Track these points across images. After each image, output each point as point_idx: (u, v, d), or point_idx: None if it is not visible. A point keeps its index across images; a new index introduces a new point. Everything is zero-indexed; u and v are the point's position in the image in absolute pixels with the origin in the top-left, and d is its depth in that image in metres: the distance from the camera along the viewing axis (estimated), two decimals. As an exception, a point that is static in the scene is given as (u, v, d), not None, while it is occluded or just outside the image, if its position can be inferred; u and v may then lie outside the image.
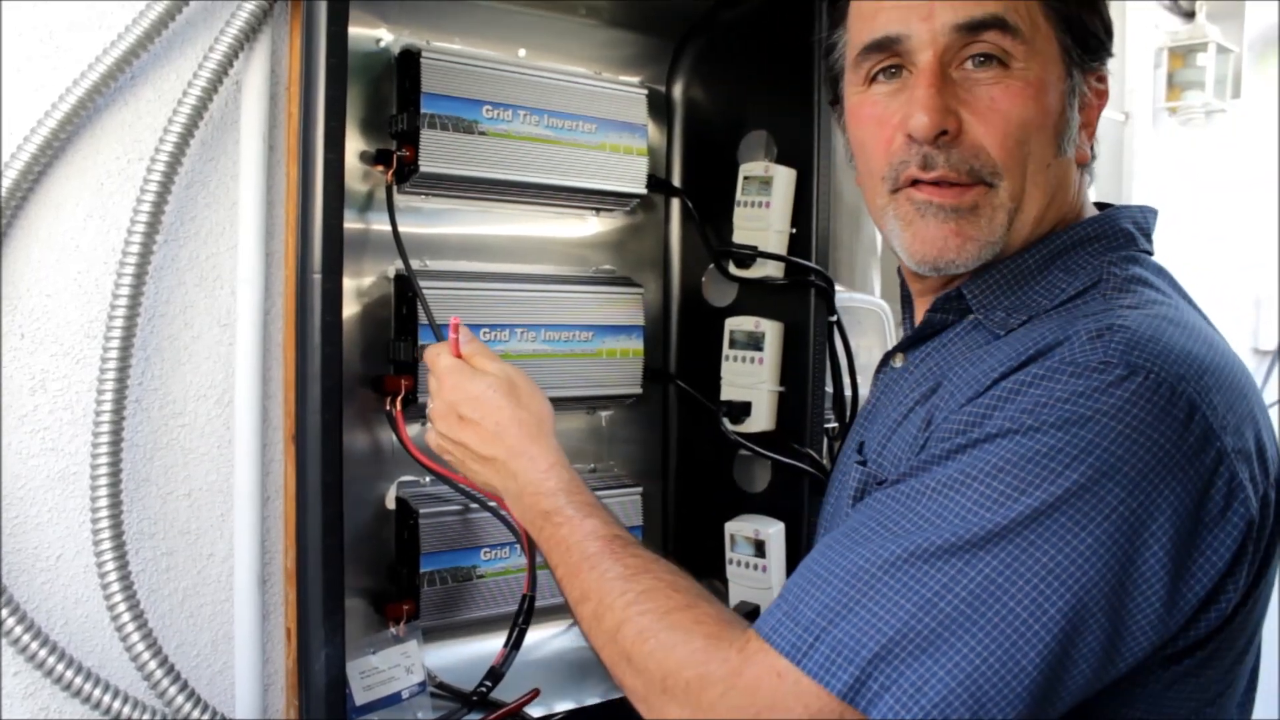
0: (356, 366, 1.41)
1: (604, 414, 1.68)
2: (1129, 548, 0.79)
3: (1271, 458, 0.89)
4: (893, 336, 1.95)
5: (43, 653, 1.05)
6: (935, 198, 0.97)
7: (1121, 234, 1.00)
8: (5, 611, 1.04)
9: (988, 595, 0.79)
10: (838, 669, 0.81)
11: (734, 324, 1.62)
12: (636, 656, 0.92)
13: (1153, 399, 0.81)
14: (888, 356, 1.11)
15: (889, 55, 0.98)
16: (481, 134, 1.44)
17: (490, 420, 1.13)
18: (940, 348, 1.04)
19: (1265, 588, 0.91)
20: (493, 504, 1.42)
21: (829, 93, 1.12)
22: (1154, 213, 1.05)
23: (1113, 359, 0.83)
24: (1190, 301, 1.00)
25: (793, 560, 1.55)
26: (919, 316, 1.09)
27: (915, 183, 0.97)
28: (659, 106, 1.71)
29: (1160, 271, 1.00)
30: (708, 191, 1.67)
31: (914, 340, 1.07)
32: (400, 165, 1.39)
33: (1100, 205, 1.06)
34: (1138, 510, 0.80)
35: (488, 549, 1.47)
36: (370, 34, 1.42)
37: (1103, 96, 1.03)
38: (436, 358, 1.19)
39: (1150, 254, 1.02)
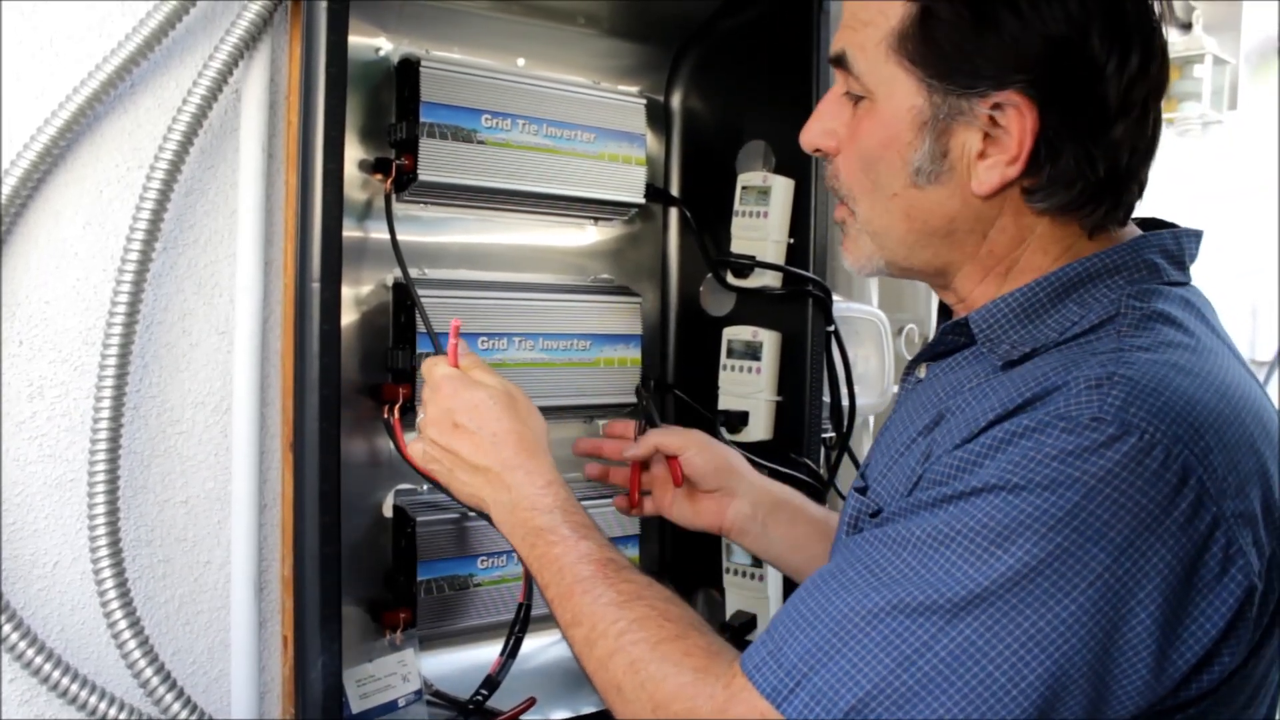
0: (355, 375, 1.41)
1: (601, 423, 1.68)
2: (1114, 615, 0.78)
3: None
4: (890, 346, 1.95)
5: (39, 659, 1.05)
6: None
7: (1145, 266, 0.96)
8: (2, 618, 1.04)
9: (966, 658, 0.79)
10: (820, 714, 0.81)
11: (732, 333, 1.62)
12: (627, 687, 0.93)
13: (1144, 462, 0.79)
14: (913, 365, 1.10)
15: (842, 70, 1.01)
16: (480, 143, 1.45)
17: (488, 430, 1.12)
18: (954, 368, 1.03)
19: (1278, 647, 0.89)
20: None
21: None
22: (1194, 236, 1.00)
23: (1106, 415, 0.81)
24: (1219, 334, 0.96)
25: (790, 569, 1.55)
26: None
27: None
28: (657, 116, 1.72)
29: (1187, 304, 0.95)
30: (706, 201, 1.68)
31: (930, 355, 1.07)
32: (399, 174, 1.39)
33: (1147, 222, 1.02)
34: (1123, 577, 0.78)
35: (485, 557, 1.47)
36: (370, 43, 1.42)
37: (1019, 118, 0.90)
38: (433, 367, 1.17)
39: (1184, 284, 0.98)
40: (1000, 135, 0.92)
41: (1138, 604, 0.78)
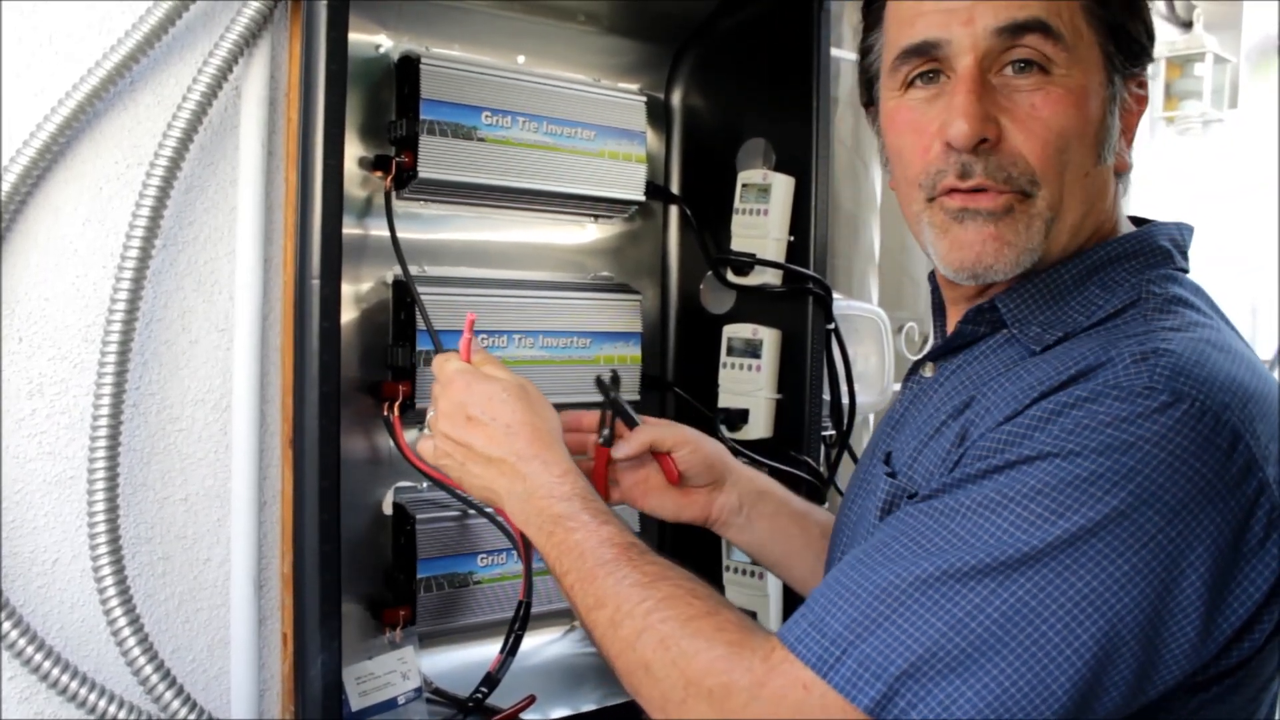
0: (354, 372, 1.41)
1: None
2: (1166, 577, 0.79)
3: None
4: (890, 344, 1.95)
5: (38, 657, 1.05)
6: (971, 204, 0.95)
7: (1159, 251, 0.98)
8: (2, 616, 1.04)
9: (1020, 619, 0.78)
10: (865, 684, 0.80)
11: (732, 331, 1.62)
12: (657, 664, 0.91)
13: (1197, 427, 0.80)
14: (917, 365, 1.09)
15: (927, 60, 0.96)
16: (480, 140, 1.44)
17: (502, 422, 1.11)
18: (973, 360, 1.02)
19: None
20: (489, 510, 1.42)
21: (864, 95, 1.09)
22: (1190, 229, 1.03)
23: (1158, 384, 0.81)
24: (1228, 322, 0.97)
25: (789, 567, 1.55)
26: (950, 326, 1.08)
27: (951, 191, 0.96)
28: (658, 113, 1.72)
29: (1198, 291, 0.98)
30: (706, 199, 1.68)
31: (945, 350, 1.06)
32: (399, 171, 1.39)
33: (1136, 220, 1.04)
34: (1176, 539, 0.79)
35: (484, 555, 1.47)
36: (370, 40, 1.42)
37: (1142, 102, 1.00)
38: (445, 363, 1.16)
39: (1187, 272, 1.00)
40: (1126, 113, 0.98)
41: (1189, 566, 0.79)
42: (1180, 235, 1.01)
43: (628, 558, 1.00)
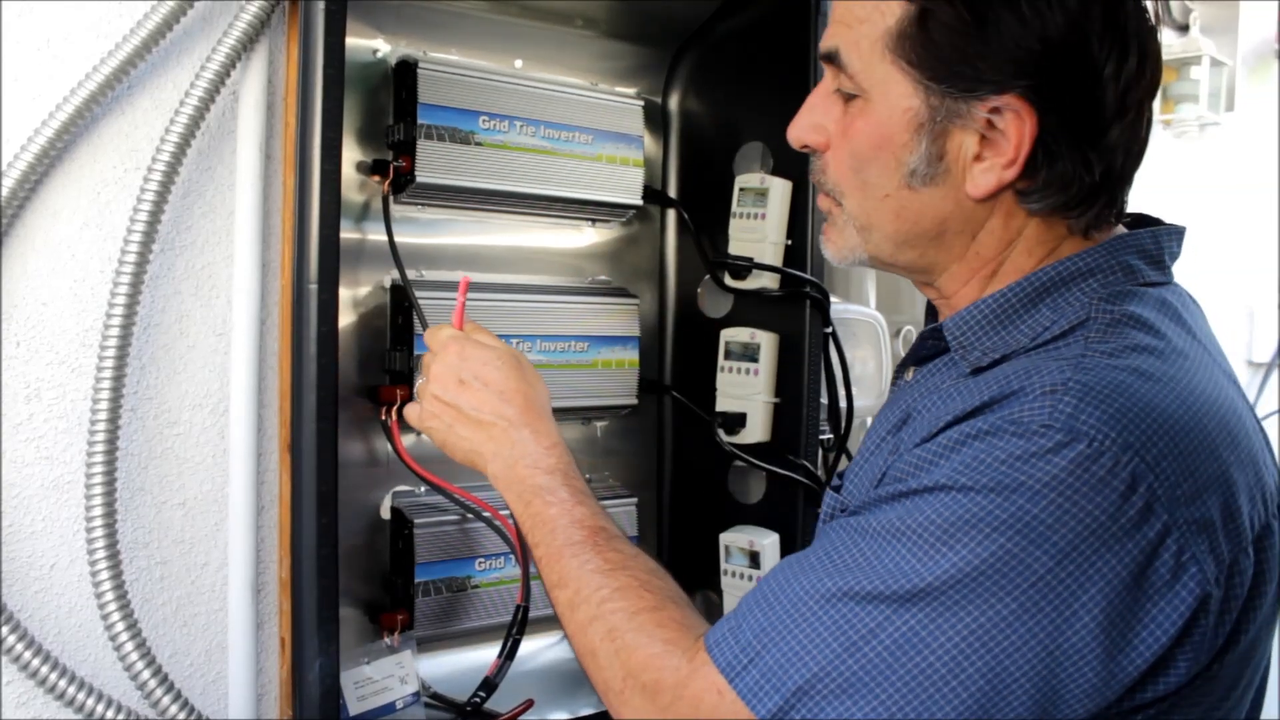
0: (352, 376, 1.41)
1: (599, 425, 1.68)
2: (1057, 617, 0.79)
3: (1247, 521, 0.86)
4: (888, 348, 1.95)
5: (36, 662, 1.05)
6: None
7: (1121, 268, 0.95)
8: (-1, 620, 1.04)
9: (910, 649, 0.80)
10: (765, 694, 0.84)
11: (729, 335, 1.62)
12: (602, 653, 0.96)
13: (1091, 469, 0.79)
14: (901, 369, 1.11)
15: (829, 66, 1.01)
16: (478, 145, 1.44)
17: (495, 387, 1.13)
18: (932, 373, 1.03)
19: (1250, 645, 0.88)
20: (487, 514, 1.42)
21: None
22: (1175, 234, 1.00)
23: (1056, 422, 0.81)
24: (1198, 335, 0.95)
25: (787, 571, 1.55)
26: None
27: None
28: (655, 118, 1.72)
29: (1164, 305, 0.94)
30: (703, 203, 1.68)
31: (917, 358, 1.07)
32: (397, 175, 1.39)
33: (1135, 219, 1.02)
34: (1067, 580, 0.79)
35: (482, 559, 1.47)
36: (367, 44, 1.42)
37: (1023, 121, 0.89)
38: (437, 331, 1.18)
39: (1162, 284, 0.97)
40: (997, 138, 0.91)
41: (1081, 607, 0.79)
42: (1155, 244, 0.98)
43: (594, 542, 1.03)
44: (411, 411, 1.18)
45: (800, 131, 1.02)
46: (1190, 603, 0.81)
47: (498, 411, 1.12)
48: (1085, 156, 0.91)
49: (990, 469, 0.81)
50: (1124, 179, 0.96)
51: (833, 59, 0.97)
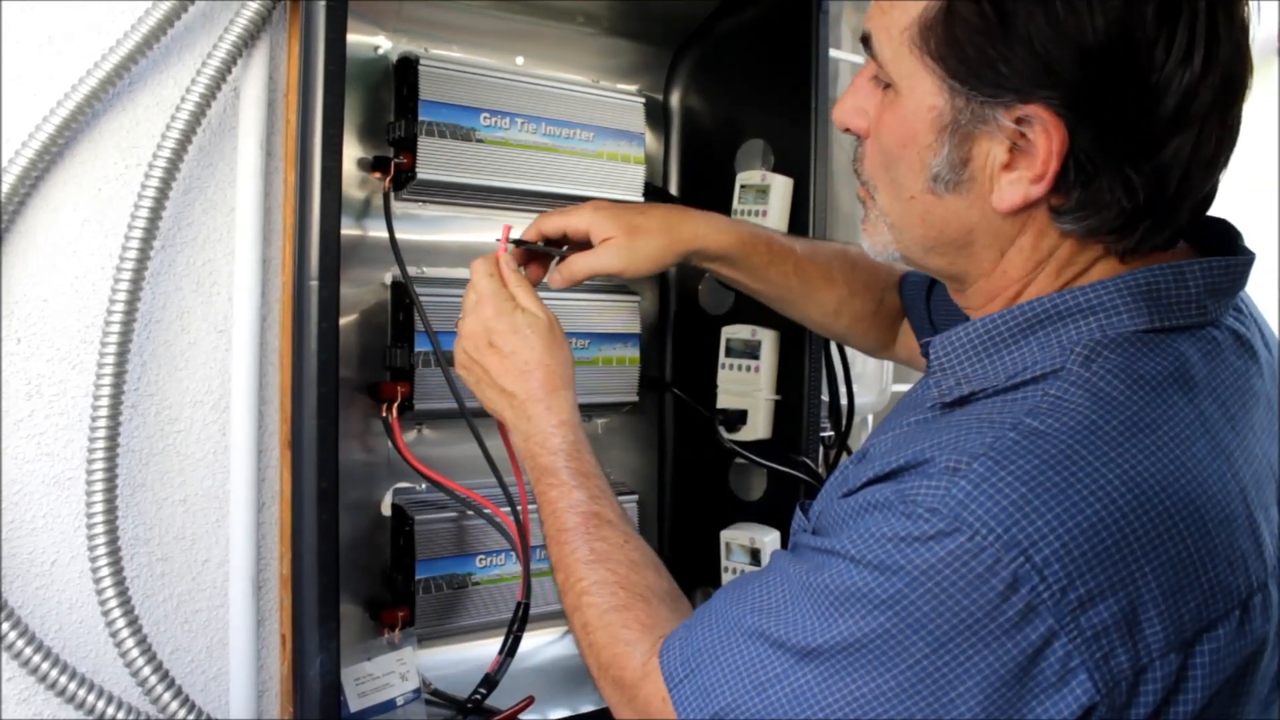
0: (353, 373, 1.41)
1: (600, 422, 1.69)
2: (935, 703, 0.77)
3: (1171, 623, 0.78)
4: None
5: (37, 658, 1.05)
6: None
7: (1128, 308, 0.85)
8: (0, 617, 1.04)
9: (806, 700, 0.81)
10: (694, 709, 0.87)
11: (730, 332, 1.62)
12: (580, 643, 1.04)
13: (970, 564, 0.76)
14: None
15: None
16: (479, 141, 1.44)
17: (520, 357, 1.15)
18: (920, 390, 0.99)
19: None
20: (488, 511, 1.42)
21: None
22: (1228, 267, 0.89)
23: (943, 507, 0.77)
24: (1206, 397, 0.85)
25: (788, 568, 1.55)
26: None
27: None
28: (656, 115, 1.72)
29: (1167, 357, 0.84)
30: (705, 200, 1.67)
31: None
32: (398, 172, 1.39)
33: (1205, 224, 0.92)
34: (944, 669, 0.77)
35: (483, 555, 1.47)
36: (368, 41, 1.42)
37: (1050, 135, 0.81)
38: (484, 277, 1.19)
39: (1188, 327, 0.87)
40: (1027, 149, 0.83)
41: (959, 698, 0.77)
42: (1177, 282, 0.86)
43: (585, 529, 1.06)
44: (457, 351, 1.20)
45: (844, 114, 0.95)
46: (1075, 710, 0.77)
47: (520, 384, 1.15)
48: (1127, 177, 0.82)
49: (879, 545, 0.80)
50: (1181, 199, 0.85)
51: (868, 43, 0.91)
